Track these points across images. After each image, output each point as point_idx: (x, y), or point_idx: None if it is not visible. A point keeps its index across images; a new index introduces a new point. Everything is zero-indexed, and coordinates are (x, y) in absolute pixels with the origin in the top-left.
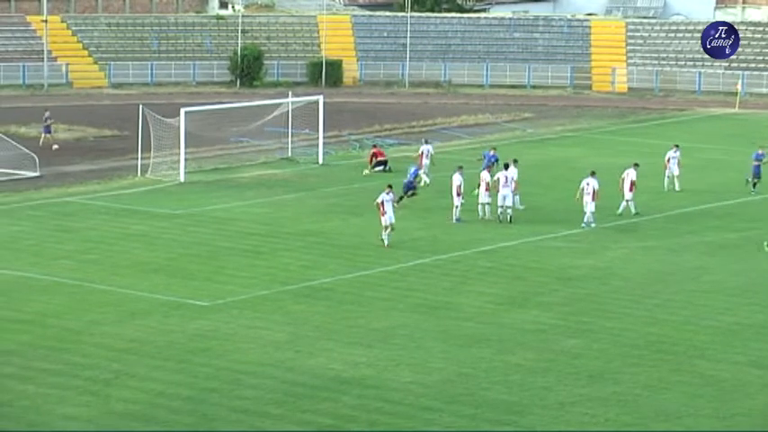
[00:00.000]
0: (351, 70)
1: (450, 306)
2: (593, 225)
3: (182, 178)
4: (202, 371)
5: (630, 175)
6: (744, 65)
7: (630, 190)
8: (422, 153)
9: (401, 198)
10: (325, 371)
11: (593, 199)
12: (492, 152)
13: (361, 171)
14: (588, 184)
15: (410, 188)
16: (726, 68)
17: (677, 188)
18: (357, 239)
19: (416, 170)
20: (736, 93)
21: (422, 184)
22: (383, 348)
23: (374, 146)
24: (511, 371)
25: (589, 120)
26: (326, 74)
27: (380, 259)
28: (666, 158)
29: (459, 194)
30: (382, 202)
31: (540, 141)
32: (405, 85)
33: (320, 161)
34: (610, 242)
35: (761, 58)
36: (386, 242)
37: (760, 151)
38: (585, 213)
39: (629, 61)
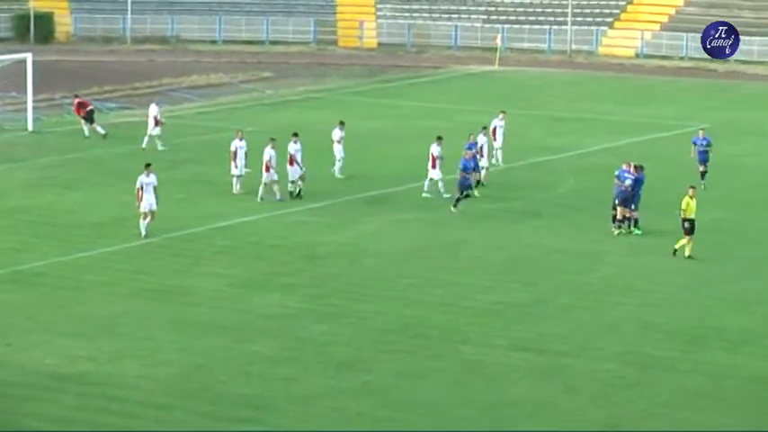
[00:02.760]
0: (63, 24)
1: (182, 290)
2: (444, 195)
3: None
4: None
5: (434, 149)
6: (503, 17)
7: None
8: (153, 115)
9: (457, 201)
10: (40, 366)
11: (434, 166)
12: (472, 139)
13: (78, 138)
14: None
15: (466, 186)
16: (484, 21)
17: (500, 162)
18: (75, 217)
19: (469, 162)
20: (496, 48)
21: (144, 145)
22: (106, 340)
23: (76, 96)
24: (251, 361)
25: (335, 79)
26: (35, 28)
27: (102, 239)
28: (492, 128)
29: (267, 170)
30: (142, 187)
31: (280, 104)
32: (126, 41)
33: (30, 128)
34: (360, 215)
35: (521, 9)
36: (143, 232)
37: (700, 135)
38: (426, 181)
39: (379, 14)
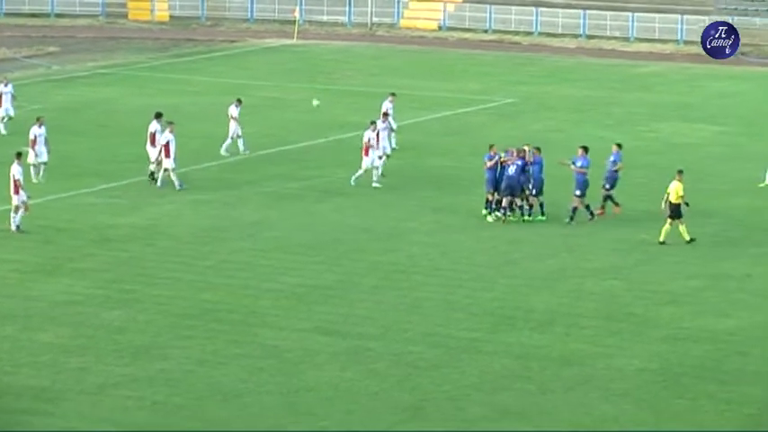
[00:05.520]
0: None
1: None
2: (374, 185)
3: None
4: None
5: (367, 135)
6: None
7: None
8: (1, 95)
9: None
10: None
11: (367, 154)
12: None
13: None
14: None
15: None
16: None
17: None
18: None
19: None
20: (295, 21)
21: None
22: None
23: None
24: (40, 351)
25: (126, 54)
26: None
27: None
28: (384, 111)
29: (168, 155)
30: (19, 179)
31: (67, 80)
32: None
33: None
34: (155, 197)
35: None
36: (13, 226)
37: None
38: (359, 170)
39: None
